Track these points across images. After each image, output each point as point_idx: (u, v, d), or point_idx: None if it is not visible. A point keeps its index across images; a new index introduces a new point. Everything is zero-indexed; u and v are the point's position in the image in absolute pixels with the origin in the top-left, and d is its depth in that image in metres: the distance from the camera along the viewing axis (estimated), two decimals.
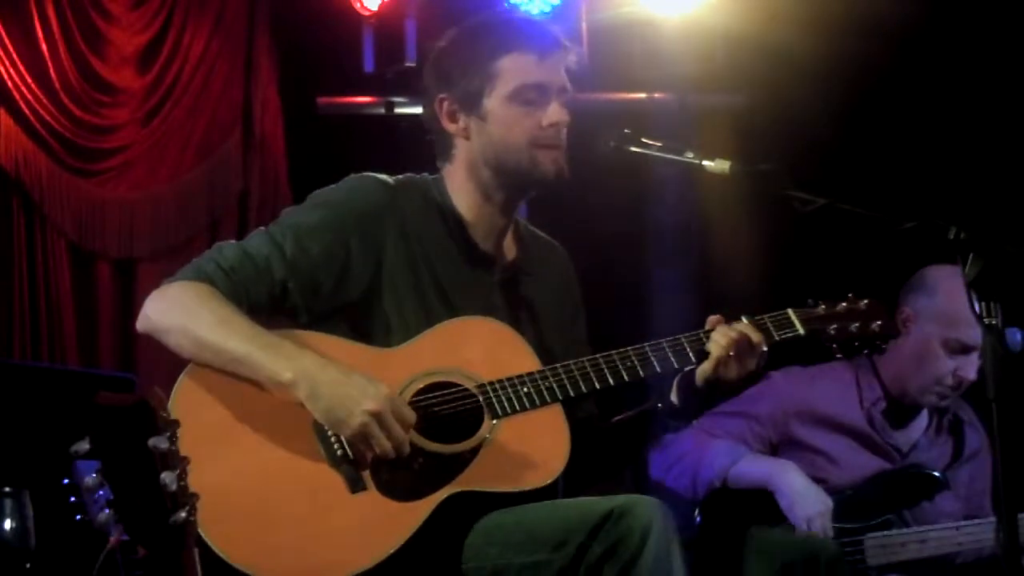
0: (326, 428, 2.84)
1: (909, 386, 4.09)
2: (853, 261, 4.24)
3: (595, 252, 3.33)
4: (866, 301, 3.13)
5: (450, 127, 3.09)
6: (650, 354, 3.00)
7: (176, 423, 2.78)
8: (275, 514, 2.79)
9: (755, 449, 4.07)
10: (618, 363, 2.98)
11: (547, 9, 5.93)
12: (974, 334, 3.86)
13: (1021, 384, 2.93)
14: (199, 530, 2.70)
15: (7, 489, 3.68)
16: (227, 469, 2.81)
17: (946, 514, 4.05)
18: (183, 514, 2.71)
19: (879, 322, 3.11)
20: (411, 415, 2.84)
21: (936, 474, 4.03)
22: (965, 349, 4.01)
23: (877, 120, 5.83)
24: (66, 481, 3.51)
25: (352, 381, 2.82)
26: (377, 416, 2.79)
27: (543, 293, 3.19)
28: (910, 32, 5.69)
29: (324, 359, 2.85)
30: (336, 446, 2.84)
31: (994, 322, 2.75)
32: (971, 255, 2.76)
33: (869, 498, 3.98)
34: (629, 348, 3.00)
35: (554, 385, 2.95)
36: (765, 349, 2.99)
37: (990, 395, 2.74)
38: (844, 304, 3.11)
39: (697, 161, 3.06)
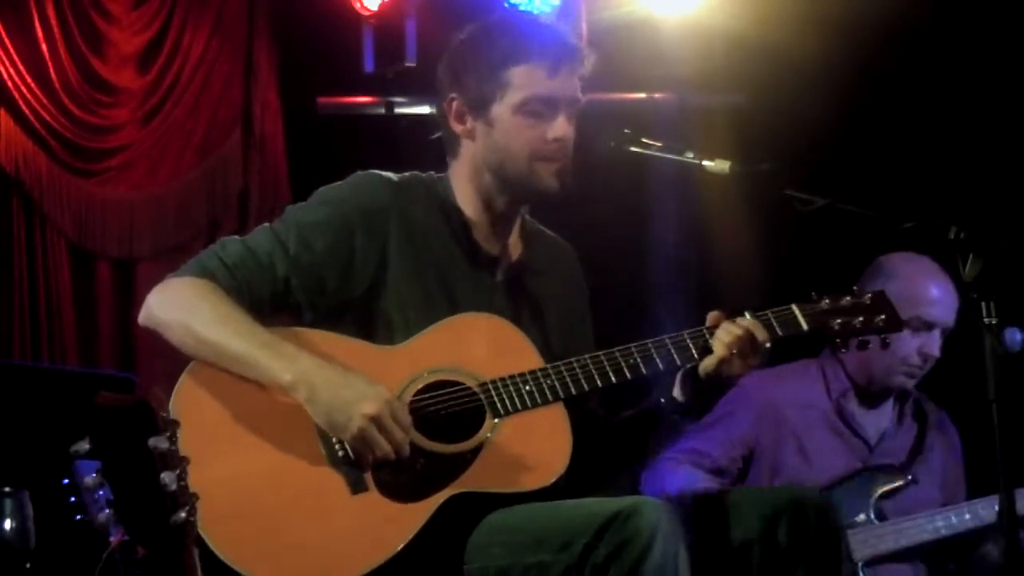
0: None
1: (875, 370, 4.13)
2: (853, 261, 4.23)
3: (594, 252, 3.32)
4: (870, 294, 3.10)
5: (457, 127, 3.09)
6: (653, 351, 2.98)
7: (176, 423, 2.79)
8: (276, 516, 2.78)
9: (723, 466, 4.09)
10: (620, 360, 2.96)
11: (547, 9, 5.93)
12: (934, 311, 4.06)
13: (1021, 384, 2.93)
14: (199, 530, 2.70)
15: (7, 489, 3.68)
16: (228, 469, 2.80)
17: (925, 502, 4.11)
18: (183, 514, 2.71)
19: (883, 316, 3.07)
20: (407, 417, 2.83)
21: (904, 473, 4.08)
22: (928, 326, 4.07)
23: (876, 120, 5.83)
24: (66, 481, 3.52)
25: (349, 383, 2.81)
26: (375, 420, 2.77)
27: (548, 293, 3.17)
28: (910, 32, 5.68)
29: (322, 360, 2.84)
30: (337, 447, 2.83)
31: (993, 322, 2.75)
32: (970, 255, 2.76)
33: (841, 499, 4.00)
34: (632, 345, 2.97)
35: (556, 383, 2.93)
36: (768, 346, 2.97)
37: (990, 395, 2.74)
38: (848, 298, 3.08)
39: (697, 161, 3.06)
